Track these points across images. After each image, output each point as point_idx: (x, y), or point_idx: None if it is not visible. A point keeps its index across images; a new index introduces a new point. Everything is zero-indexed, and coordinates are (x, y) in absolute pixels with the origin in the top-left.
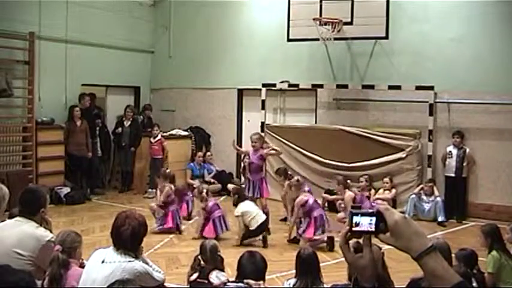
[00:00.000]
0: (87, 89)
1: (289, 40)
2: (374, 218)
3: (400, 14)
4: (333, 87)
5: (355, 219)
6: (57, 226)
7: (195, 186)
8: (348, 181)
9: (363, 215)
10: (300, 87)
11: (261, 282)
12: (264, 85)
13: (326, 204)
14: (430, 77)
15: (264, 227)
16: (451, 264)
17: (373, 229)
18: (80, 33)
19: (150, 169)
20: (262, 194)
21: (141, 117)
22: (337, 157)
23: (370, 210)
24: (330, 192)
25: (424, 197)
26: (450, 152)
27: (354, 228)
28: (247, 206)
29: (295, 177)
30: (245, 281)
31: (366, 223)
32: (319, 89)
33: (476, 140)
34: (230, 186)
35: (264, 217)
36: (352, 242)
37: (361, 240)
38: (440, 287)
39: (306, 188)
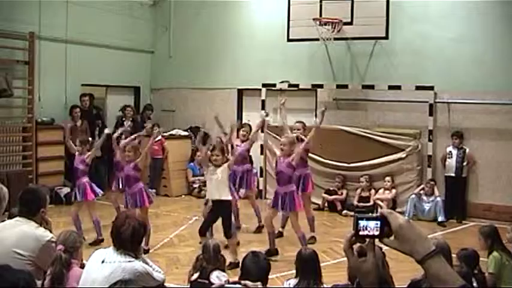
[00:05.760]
0: (87, 89)
1: (289, 40)
2: (379, 222)
3: (400, 14)
4: (333, 87)
5: (361, 223)
6: (57, 226)
7: (194, 186)
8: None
9: (368, 219)
10: (300, 87)
11: (259, 283)
12: (264, 85)
13: (326, 204)
14: (430, 77)
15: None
16: (451, 264)
17: (378, 233)
18: (80, 33)
19: (150, 169)
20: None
21: (139, 118)
22: (337, 157)
23: (375, 215)
24: (330, 192)
25: (424, 197)
26: (450, 152)
27: (359, 233)
28: None
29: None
30: (242, 282)
31: (371, 227)
32: (319, 89)
33: (476, 140)
34: None
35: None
36: (355, 246)
37: (364, 245)
38: None
39: None
